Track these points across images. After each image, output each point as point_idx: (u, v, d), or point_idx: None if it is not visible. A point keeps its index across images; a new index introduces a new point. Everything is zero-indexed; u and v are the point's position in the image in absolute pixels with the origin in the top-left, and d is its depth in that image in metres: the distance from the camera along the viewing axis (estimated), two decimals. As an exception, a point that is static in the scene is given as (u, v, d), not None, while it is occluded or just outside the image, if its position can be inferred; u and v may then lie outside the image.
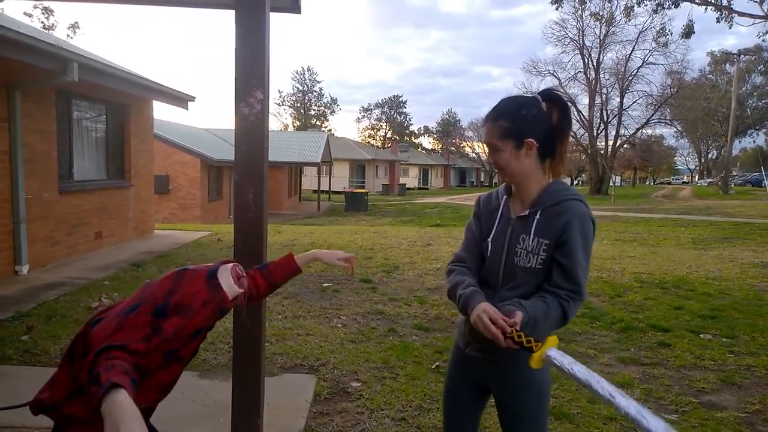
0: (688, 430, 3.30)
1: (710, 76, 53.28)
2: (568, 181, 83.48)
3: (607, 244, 11.65)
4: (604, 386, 1.34)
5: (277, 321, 5.34)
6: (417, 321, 5.48)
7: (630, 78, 41.21)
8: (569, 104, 1.76)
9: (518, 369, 1.80)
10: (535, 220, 1.73)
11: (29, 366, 4.04)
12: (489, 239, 1.86)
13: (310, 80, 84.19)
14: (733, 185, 42.65)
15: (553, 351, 1.48)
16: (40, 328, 4.85)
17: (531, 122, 1.71)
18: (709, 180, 63.53)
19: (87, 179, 8.80)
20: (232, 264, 1.54)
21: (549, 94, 1.76)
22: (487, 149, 1.86)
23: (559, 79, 42.32)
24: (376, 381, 3.94)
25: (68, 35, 32.63)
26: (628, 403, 1.28)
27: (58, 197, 7.83)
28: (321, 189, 32.56)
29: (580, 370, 1.41)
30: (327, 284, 6.99)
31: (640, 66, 40.85)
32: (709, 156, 73.09)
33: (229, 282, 1.49)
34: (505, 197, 1.87)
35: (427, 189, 60.10)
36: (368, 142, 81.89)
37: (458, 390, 2.03)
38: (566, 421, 3.37)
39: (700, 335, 5.15)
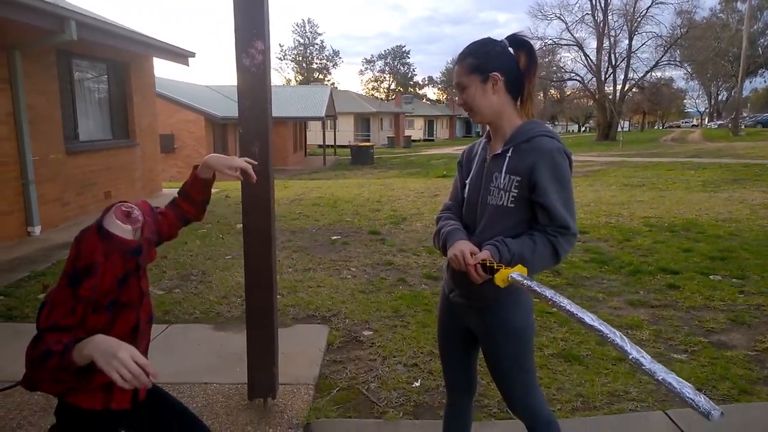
0: (697, 369, 3.34)
1: (721, 15, 51.67)
2: (575, 127, 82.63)
3: (616, 190, 11.59)
4: (572, 305, 1.39)
5: (288, 274, 5.40)
6: (426, 270, 5.53)
7: (639, 19, 40.04)
8: (533, 45, 1.82)
9: (497, 312, 1.83)
10: (507, 158, 1.76)
11: (48, 324, 4.13)
12: (467, 181, 1.91)
13: (312, 33, 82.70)
14: (743, 127, 41.90)
15: (517, 273, 1.55)
16: (56, 288, 4.93)
17: (495, 57, 1.76)
18: (719, 122, 62.45)
19: (92, 139, 8.78)
20: (113, 207, 1.50)
21: (515, 39, 1.81)
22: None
23: (566, 23, 41.34)
24: (388, 329, 4.00)
25: (63, -7, 31.95)
26: (593, 319, 1.36)
27: (65, 158, 7.83)
28: (326, 143, 32.37)
29: (545, 289, 1.48)
30: (336, 237, 7.04)
31: (650, 6, 39.65)
32: (720, 98, 71.72)
33: (117, 225, 1.46)
34: (484, 141, 1.93)
35: (433, 140, 59.61)
36: (372, 94, 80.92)
37: (449, 336, 2.06)
38: (576, 363, 3.43)
39: (710, 276, 5.16)
